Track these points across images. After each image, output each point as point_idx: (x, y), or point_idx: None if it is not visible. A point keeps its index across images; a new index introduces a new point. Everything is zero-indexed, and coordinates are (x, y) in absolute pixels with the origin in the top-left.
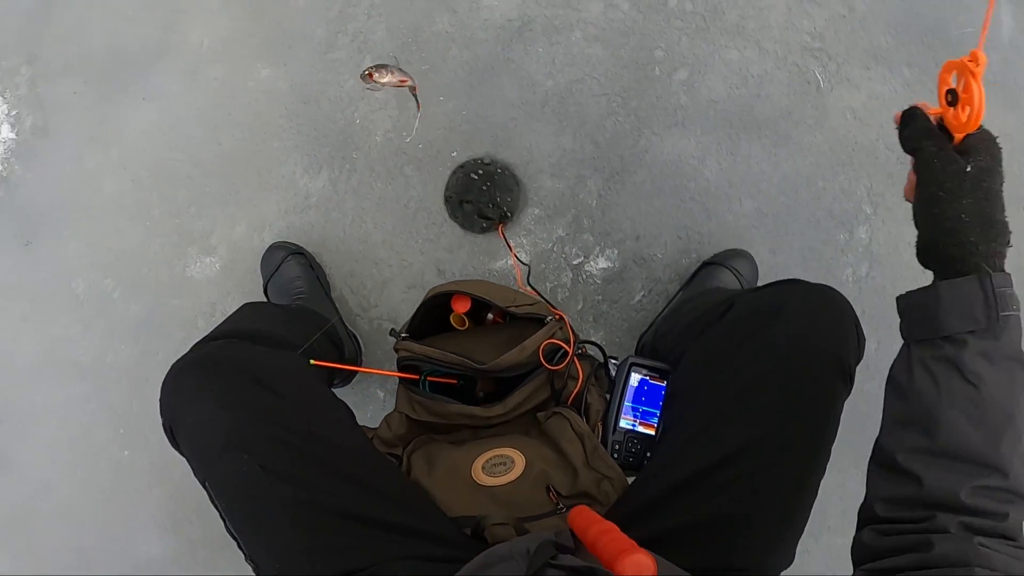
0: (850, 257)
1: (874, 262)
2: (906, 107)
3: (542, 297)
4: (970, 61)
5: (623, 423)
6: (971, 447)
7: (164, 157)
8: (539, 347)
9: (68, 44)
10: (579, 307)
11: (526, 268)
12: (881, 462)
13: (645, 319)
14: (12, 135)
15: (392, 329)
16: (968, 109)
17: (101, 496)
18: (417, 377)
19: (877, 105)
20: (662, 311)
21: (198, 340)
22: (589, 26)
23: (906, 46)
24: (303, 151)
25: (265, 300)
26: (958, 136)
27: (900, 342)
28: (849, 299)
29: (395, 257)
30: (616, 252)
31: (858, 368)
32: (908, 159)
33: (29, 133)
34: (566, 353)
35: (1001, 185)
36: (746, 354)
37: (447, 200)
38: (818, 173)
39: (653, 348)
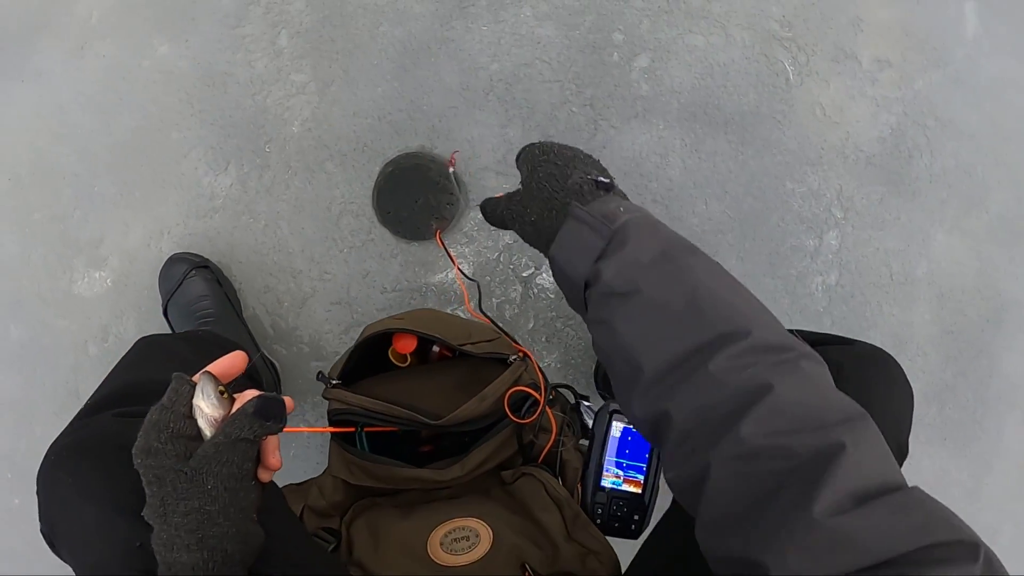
0: (819, 264)
1: (844, 270)
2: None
3: (499, 328)
4: None
5: (606, 481)
6: (673, 350)
7: (46, 150)
8: (503, 396)
9: None
10: (530, 326)
11: (475, 286)
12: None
13: None
14: None
15: (320, 373)
16: None
17: None
18: (352, 430)
19: (847, 102)
20: None
21: (79, 410)
22: (540, 3)
23: (873, 39)
24: (207, 143)
25: (164, 331)
26: None
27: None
28: (818, 310)
29: (316, 269)
30: None
31: None
32: (878, 159)
33: None
34: (536, 402)
35: (546, 173)
36: None
37: (376, 201)
38: (787, 173)
39: None
